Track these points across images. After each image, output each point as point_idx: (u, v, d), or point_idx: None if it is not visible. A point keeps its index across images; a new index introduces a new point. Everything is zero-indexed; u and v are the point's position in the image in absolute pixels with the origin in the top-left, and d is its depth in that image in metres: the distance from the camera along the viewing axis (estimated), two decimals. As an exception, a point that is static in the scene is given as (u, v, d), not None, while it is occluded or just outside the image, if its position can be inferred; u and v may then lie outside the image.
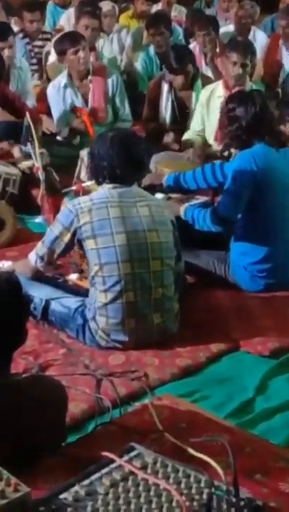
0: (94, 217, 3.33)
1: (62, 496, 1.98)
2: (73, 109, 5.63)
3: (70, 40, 5.61)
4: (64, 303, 3.50)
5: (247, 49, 5.25)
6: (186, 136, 5.58)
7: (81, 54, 5.53)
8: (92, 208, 3.35)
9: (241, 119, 3.84)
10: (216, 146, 5.27)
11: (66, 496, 1.98)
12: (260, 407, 3.01)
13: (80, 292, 3.61)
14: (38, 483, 2.29)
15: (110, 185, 3.42)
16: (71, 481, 2.04)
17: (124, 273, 3.31)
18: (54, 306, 3.51)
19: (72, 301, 3.51)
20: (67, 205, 3.48)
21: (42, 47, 7.36)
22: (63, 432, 2.61)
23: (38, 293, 3.53)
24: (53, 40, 6.72)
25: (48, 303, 3.52)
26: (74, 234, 3.38)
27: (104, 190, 3.43)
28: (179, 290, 3.56)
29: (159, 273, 3.39)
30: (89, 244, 3.34)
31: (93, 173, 3.55)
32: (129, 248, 3.33)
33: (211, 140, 5.40)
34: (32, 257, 3.53)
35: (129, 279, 3.32)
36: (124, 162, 3.39)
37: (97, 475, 2.06)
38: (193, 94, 5.74)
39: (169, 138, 5.66)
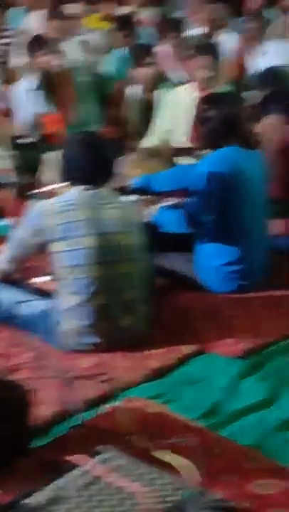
0: (62, 220, 3.32)
1: (31, 500, 1.97)
2: (42, 118, 5.60)
3: (38, 43, 5.60)
4: (33, 305, 3.49)
5: (215, 52, 5.27)
6: (148, 143, 5.58)
7: (49, 57, 5.52)
8: (60, 210, 3.34)
9: (213, 121, 3.86)
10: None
11: (35, 500, 1.97)
12: (230, 408, 3.01)
13: (48, 295, 3.59)
14: (6, 487, 2.29)
15: (80, 187, 3.42)
16: (40, 484, 2.03)
17: (93, 276, 3.31)
18: (23, 308, 3.49)
19: (41, 304, 3.49)
20: (34, 207, 3.47)
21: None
22: (28, 435, 2.59)
23: (6, 296, 3.51)
24: (13, 41, 6.71)
25: (15, 306, 3.50)
26: (41, 236, 3.36)
27: (74, 192, 3.42)
28: (149, 292, 3.57)
29: (129, 275, 3.39)
30: (56, 247, 3.33)
31: (62, 176, 3.55)
32: (99, 250, 3.32)
33: (179, 142, 5.40)
34: None
35: (99, 281, 3.32)
36: (92, 164, 3.39)
37: (66, 478, 2.06)
38: (161, 96, 5.74)
39: (137, 152, 5.63)
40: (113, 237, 3.36)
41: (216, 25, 7.77)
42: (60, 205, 3.36)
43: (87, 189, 3.41)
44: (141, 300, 3.46)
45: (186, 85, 5.56)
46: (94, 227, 3.33)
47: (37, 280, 3.87)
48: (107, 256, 3.34)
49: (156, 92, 5.80)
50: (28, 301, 3.51)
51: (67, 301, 3.35)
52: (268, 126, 4.36)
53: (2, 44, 7.33)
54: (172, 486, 2.01)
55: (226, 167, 3.79)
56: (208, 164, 3.86)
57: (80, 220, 3.33)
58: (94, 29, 8.27)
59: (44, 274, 3.90)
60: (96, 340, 3.36)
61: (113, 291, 3.35)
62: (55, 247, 3.33)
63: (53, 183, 4.07)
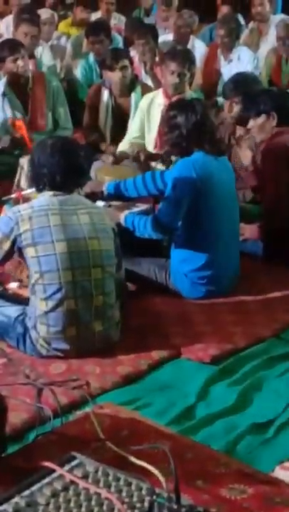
0: (34, 225, 3.31)
1: (2, 508, 1.96)
2: (13, 123, 5.57)
3: (8, 48, 5.56)
4: (4, 312, 3.47)
5: (185, 58, 5.28)
6: (121, 148, 5.59)
7: (20, 62, 5.50)
8: (32, 215, 3.33)
9: (182, 127, 3.87)
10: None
11: (6, 508, 1.96)
12: (201, 413, 3.02)
13: (20, 301, 3.57)
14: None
15: (51, 193, 3.41)
16: (11, 492, 2.01)
17: (64, 281, 3.30)
18: (-7, 315, 3.47)
19: (12, 310, 3.47)
20: (7, 212, 3.46)
21: None
22: (3, 442, 2.58)
23: None
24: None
25: (-14, 312, 3.48)
26: (14, 242, 3.35)
27: (45, 198, 3.41)
28: (121, 298, 3.56)
29: (100, 281, 3.38)
30: (29, 252, 3.32)
31: (33, 181, 3.54)
32: (70, 256, 3.31)
33: (150, 148, 5.42)
34: None
35: (70, 287, 3.31)
36: (63, 169, 3.38)
37: (37, 485, 2.05)
38: (133, 100, 5.75)
39: (108, 160, 5.62)
40: (83, 243, 3.35)
41: (185, 32, 7.80)
42: (31, 211, 3.35)
43: (59, 194, 3.40)
44: (112, 305, 3.45)
45: (155, 92, 5.57)
46: (64, 233, 3.33)
47: (9, 286, 3.85)
48: (78, 261, 3.33)
49: (128, 98, 5.80)
50: (0, 307, 3.49)
51: (38, 306, 3.34)
52: (257, 127, 4.38)
53: None
54: (145, 491, 2.00)
55: (195, 173, 3.80)
56: (177, 170, 3.87)
57: (51, 225, 3.32)
58: (64, 34, 8.27)
59: (14, 281, 3.88)
60: (66, 346, 3.35)
61: (84, 297, 3.34)
62: (28, 252, 3.32)
63: (29, 188, 4.04)
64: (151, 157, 5.19)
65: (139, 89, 5.76)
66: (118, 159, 5.48)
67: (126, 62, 5.67)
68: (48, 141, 3.50)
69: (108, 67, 5.70)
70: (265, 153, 4.40)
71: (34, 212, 3.34)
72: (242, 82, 4.83)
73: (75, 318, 3.33)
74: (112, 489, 2.02)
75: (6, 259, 3.49)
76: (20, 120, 5.49)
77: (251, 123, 4.41)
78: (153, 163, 5.17)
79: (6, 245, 3.37)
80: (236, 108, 4.74)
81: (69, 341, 3.34)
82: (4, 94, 5.64)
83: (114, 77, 5.67)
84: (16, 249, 3.39)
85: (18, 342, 3.41)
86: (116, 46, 7.79)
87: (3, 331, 3.46)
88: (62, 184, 3.40)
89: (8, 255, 3.44)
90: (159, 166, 4.96)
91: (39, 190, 3.49)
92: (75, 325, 3.34)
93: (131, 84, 5.77)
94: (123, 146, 5.57)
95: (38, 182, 3.46)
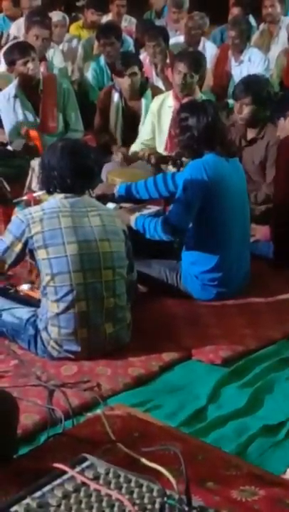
0: (45, 227, 3.32)
1: (13, 509, 1.96)
2: (27, 132, 5.58)
3: (19, 50, 5.57)
4: (15, 313, 3.48)
5: (193, 60, 5.26)
6: (133, 148, 5.60)
7: (30, 65, 5.51)
8: (43, 217, 3.34)
9: (193, 129, 3.87)
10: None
11: (17, 509, 1.96)
12: (212, 415, 3.03)
13: (32, 303, 3.59)
14: (-11, 496, 2.28)
15: (62, 195, 3.42)
16: (22, 493, 2.01)
17: (75, 283, 3.30)
18: (5, 316, 3.48)
19: (23, 312, 3.48)
20: (18, 215, 3.47)
21: None
22: (15, 444, 2.59)
23: None
24: (2, 49, 6.69)
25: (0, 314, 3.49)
26: (25, 244, 3.36)
27: (56, 200, 3.42)
28: (131, 300, 3.57)
29: (111, 283, 3.38)
30: (40, 254, 3.33)
31: (44, 184, 3.55)
32: (81, 258, 3.32)
33: (160, 149, 5.42)
34: None
35: (81, 288, 3.32)
36: (73, 172, 3.39)
37: (48, 487, 2.04)
38: (143, 104, 5.76)
39: (118, 157, 5.64)
40: (94, 245, 3.36)
41: (196, 34, 7.80)
42: (43, 213, 3.36)
43: (70, 197, 3.41)
44: (123, 307, 3.46)
45: (166, 93, 5.57)
46: (75, 235, 3.33)
47: (21, 288, 3.86)
48: (89, 263, 3.33)
49: (138, 101, 5.80)
50: (11, 309, 3.50)
51: (49, 308, 3.35)
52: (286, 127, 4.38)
53: None
54: (156, 492, 2.00)
55: (206, 175, 3.80)
56: (188, 172, 3.87)
57: (62, 227, 3.33)
58: (75, 37, 8.28)
59: (28, 282, 3.90)
60: (77, 348, 3.36)
61: (95, 299, 3.35)
62: (39, 254, 3.33)
63: (40, 190, 4.05)
64: (163, 160, 5.19)
65: (149, 92, 5.76)
66: (130, 159, 5.49)
67: (135, 68, 5.66)
68: (58, 144, 3.50)
69: (118, 74, 5.71)
70: (281, 144, 4.40)
71: (45, 215, 3.35)
72: (253, 84, 4.82)
73: (86, 320, 3.34)
74: (123, 491, 2.02)
75: (18, 262, 3.50)
76: (35, 130, 5.51)
77: (281, 124, 4.43)
78: (164, 166, 5.18)
79: (18, 247, 3.38)
80: (246, 109, 4.74)
81: (80, 343, 3.35)
82: (16, 97, 5.66)
83: (123, 83, 5.68)
84: (27, 252, 3.40)
85: (29, 344, 3.42)
86: (127, 48, 7.81)
87: (15, 332, 3.47)
88: (72, 186, 3.41)
89: (20, 257, 3.45)
90: (170, 168, 4.96)
91: (50, 192, 3.50)
92: (86, 327, 3.34)
93: (141, 87, 5.76)
94: (136, 147, 5.58)
95: (49, 185, 3.48)
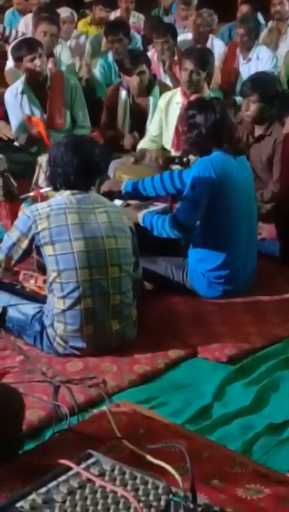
0: (52, 224, 3.32)
1: (18, 505, 1.96)
2: (29, 119, 5.58)
3: (26, 46, 5.57)
4: (21, 309, 3.48)
5: (199, 57, 5.22)
6: (141, 145, 5.59)
7: (37, 62, 5.50)
8: (50, 214, 3.34)
9: (201, 126, 3.86)
10: (174, 153, 5.29)
11: (23, 505, 1.96)
12: (217, 413, 3.02)
13: (38, 299, 3.59)
14: (-6, 491, 2.29)
15: (68, 192, 3.42)
16: (28, 489, 2.02)
17: (82, 279, 3.30)
18: (11, 312, 3.49)
19: (29, 308, 3.49)
20: (25, 211, 3.47)
21: None
22: (20, 440, 2.60)
23: None
24: (10, 45, 6.69)
25: (5, 309, 3.50)
26: (32, 240, 3.36)
27: (63, 197, 3.42)
28: (137, 296, 3.57)
29: (117, 279, 3.38)
30: (47, 251, 3.33)
31: (50, 181, 3.56)
32: (88, 254, 3.32)
33: (168, 146, 5.42)
34: None
35: (87, 285, 3.32)
36: (77, 169, 3.39)
37: (54, 483, 2.05)
38: (151, 101, 5.75)
39: (127, 140, 5.65)
40: (101, 241, 3.36)
41: (204, 31, 7.79)
42: (49, 210, 3.36)
43: (77, 193, 3.41)
44: (129, 304, 3.46)
45: (174, 90, 5.56)
46: (82, 231, 3.33)
47: (27, 284, 3.86)
48: (95, 260, 3.34)
49: (146, 98, 5.79)
50: (17, 304, 3.51)
51: (55, 305, 3.35)
52: None
53: None
54: (161, 490, 2.00)
55: (214, 173, 3.79)
56: (195, 170, 3.86)
57: (68, 224, 3.33)
58: (82, 33, 8.28)
59: (34, 279, 3.89)
60: (83, 345, 3.36)
61: (101, 296, 3.35)
62: (46, 250, 3.33)
63: (47, 187, 4.06)
64: (170, 160, 5.17)
65: (157, 89, 5.74)
66: (138, 157, 5.48)
67: (144, 67, 5.65)
68: (63, 141, 3.51)
69: (126, 72, 5.70)
70: (286, 140, 4.40)
71: (52, 211, 3.35)
72: (261, 81, 4.81)
73: (92, 316, 3.34)
74: (129, 487, 2.02)
75: (24, 258, 3.51)
76: (37, 117, 5.51)
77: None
78: (171, 166, 5.17)
79: (24, 244, 3.39)
80: (254, 107, 4.73)
81: (86, 339, 3.35)
82: (23, 93, 5.66)
83: (131, 81, 5.67)
84: (34, 248, 3.40)
85: (35, 340, 3.42)
86: (135, 45, 7.80)
87: (21, 328, 3.47)
88: (76, 183, 3.41)
89: (27, 253, 3.46)
90: (178, 167, 4.96)
91: (56, 189, 3.50)
92: (92, 323, 3.35)
93: (149, 84, 5.75)
94: (143, 143, 5.57)
95: (54, 181, 3.48)
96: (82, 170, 3.40)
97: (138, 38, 8.21)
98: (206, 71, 5.23)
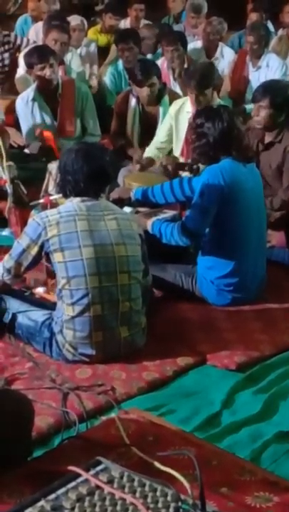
0: (61, 230, 3.33)
1: (27, 511, 1.97)
2: (41, 134, 5.59)
3: (38, 55, 5.58)
4: (31, 316, 3.49)
5: (200, 79, 5.04)
6: (147, 153, 5.59)
7: (47, 72, 5.52)
8: (59, 220, 3.35)
9: (208, 135, 3.86)
10: (183, 161, 5.29)
11: (32, 511, 1.96)
12: (226, 420, 3.02)
13: (47, 305, 3.59)
14: (3, 497, 2.29)
15: (78, 199, 3.42)
16: (37, 496, 2.02)
17: (91, 286, 3.31)
18: (21, 319, 3.49)
19: (39, 315, 3.49)
20: (34, 217, 3.47)
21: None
22: (29, 446, 2.60)
23: (7, 306, 3.52)
24: (22, 52, 6.72)
25: (14, 316, 3.51)
26: (41, 247, 3.37)
27: (73, 204, 3.43)
28: (146, 304, 3.57)
29: (127, 287, 3.39)
30: (56, 258, 3.34)
31: (60, 187, 3.56)
32: (97, 261, 3.33)
33: (177, 154, 5.42)
34: None
35: (97, 292, 3.32)
36: (87, 176, 3.39)
37: (63, 489, 2.05)
38: (161, 110, 5.75)
39: (136, 154, 5.64)
40: (110, 249, 3.36)
41: (214, 39, 7.80)
42: (59, 216, 3.36)
43: (87, 200, 3.42)
44: (138, 311, 3.46)
45: (184, 98, 5.57)
46: (91, 238, 3.34)
47: (37, 291, 3.88)
48: (104, 267, 3.34)
49: (156, 106, 5.79)
50: (27, 311, 3.51)
51: (65, 311, 3.36)
52: None
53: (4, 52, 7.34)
54: (170, 497, 2.00)
55: (223, 180, 3.79)
56: (205, 177, 3.86)
57: (78, 231, 3.33)
58: (92, 41, 8.30)
59: (43, 285, 3.91)
60: (92, 352, 3.36)
61: (110, 303, 3.35)
62: (56, 257, 3.34)
63: (57, 194, 4.07)
64: (179, 167, 5.17)
65: (166, 98, 5.73)
66: (145, 166, 5.48)
67: (154, 79, 5.64)
68: (74, 148, 3.52)
69: (137, 83, 5.70)
70: None
71: (62, 218, 3.35)
72: (272, 88, 4.81)
73: (102, 323, 3.34)
74: (138, 495, 2.02)
75: (34, 265, 3.51)
76: (49, 131, 5.52)
77: None
78: (180, 173, 5.17)
79: (34, 250, 3.39)
80: (263, 112, 4.72)
81: (95, 346, 3.35)
82: (34, 100, 5.68)
83: (141, 92, 5.68)
84: (43, 255, 3.41)
85: (44, 346, 3.43)
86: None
87: (30, 335, 3.48)
88: (86, 190, 3.41)
89: (36, 260, 3.46)
90: (187, 174, 4.96)
91: (66, 196, 3.51)
92: (101, 330, 3.35)
93: (159, 93, 5.75)
94: (150, 151, 5.58)
95: (64, 188, 3.48)
96: (92, 177, 3.40)
97: (146, 46, 8.13)
98: (211, 86, 5.18)
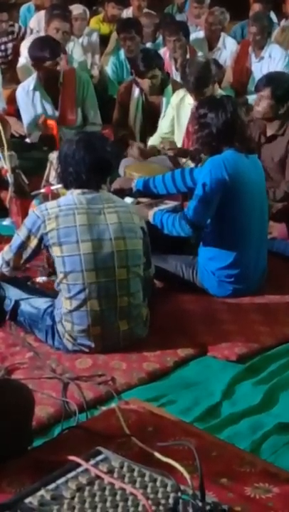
0: (60, 224, 3.29)
1: (27, 500, 1.97)
2: (44, 122, 5.58)
3: (51, 50, 5.51)
4: (33, 303, 3.48)
5: (198, 82, 5.00)
6: (151, 142, 5.58)
7: (59, 66, 5.51)
8: (59, 214, 3.31)
9: (212, 125, 3.85)
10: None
11: (32, 500, 1.97)
12: (226, 411, 3.02)
13: (49, 294, 3.58)
14: (3, 486, 2.29)
15: (79, 191, 3.38)
16: (37, 485, 2.02)
17: (88, 282, 3.29)
18: (23, 306, 3.49)
19: (41, 302, 3.48)
20: (34, 210, 3.44)
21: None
22: (29, 436, 2.60)
23: (10, 293, 3.52)
24: (25, 41, 6.71)
25: (17, 303, 3.50)
26: (41, 239, 3.34)
27: (73, 196, 3.38)
28: (148, 295, 3.56)
29: (125, 281, 3.36)
30: (55, 251, 3.31)
31: (60, 178, 3.52)
32: (95, 257, 3.29)
33: (179, 145, 5.40)
34: None
35: (94, 287, 3.30)
36: (89, 167, 3.34)
37: (63, 479, 2.05)
38: (164, 100, 5.73)
39: (134, 152, 5.61)
40: (109, 243, 3.32)
41: (216, 29, 7.78)
42: (58, 210, 3.33)
43: (87, 192, 3.38)
44: (138, 305, 3.44)
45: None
46: (90, 233, 3.30)
47: (38, 280, 3.87)
48: (102, 262, 3.31)
49: (159, 96, 5.77)
50: (29, 298, 3.50)
51: (63, 305, 3.35)
52: None
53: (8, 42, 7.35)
54: (170, 487, 2.00)
55: (226, 172, 3.78)
56: (207, 168, 3.84)
57: (77, 225, 3.30)
58: (94, 30, 8.28)
59: (44, 275, 3.90)
60: (91, 344, 3.36)
61: (108, 298, 3.33)
62: (54, 251, 3.32)
63: (58, 184, 4.06)
64: (182, 153, 5.15)
65: (170, 88, 5.71)
66: (148, 153, 5.46)
67: (156, 71, 5.60)
68: (74, 138, 3.47)
69: (139, 75, 5.67)
70: None
71: (61, 212, 3.32)
72: (275, 79, 4.79)
73: (99, 318, 3.33)
74: (137, 485, 2.02)
75: (33, 257, 3.50)
76: (53, 120, 5.51)
77: None
78: (183, 160, 5.16)
79: (33, 243, 3.36)
80: (264, 103, 4.70)
81: (93, 339, 3.35)
82: (35, 89, 5.66)
83: (144, 83, 5.66)
84: (43, 247, 3.39)
85: (46, 334, 3.42)
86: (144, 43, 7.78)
87: (32, 322, 3.47)
88: (87, 181, 3.37)
89: (35, 253, 3.45)
90: (189, 163, 4.94)
91: (67, 187, 3.48)
92: (99, 325, 3.34)
93: (162, 83, 5.73)
94: (154, 140, 5.56)
95: (65, 180, 3.45)
96: (94, 168, 3.37)
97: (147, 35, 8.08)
98: (209, 85, 5.13)
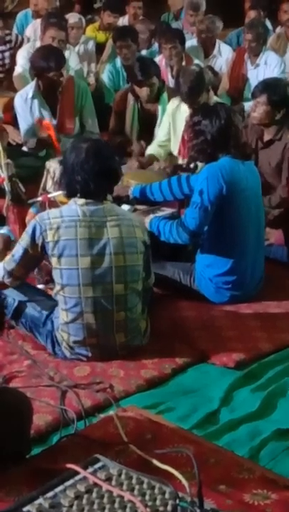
0: (61, 236, 3.26)
1: (25, 509, 1.96)
2: (40, 122, 5.59)
3: (56, 61, 5.51)
4: (37, 307, 3.48)
5: (191, 92, 4.99)
6: (149, 150, 5.59)
7: (63, 79, 5.52)
8: (60, 225, 3.27)
9: (206, 132, 3.86)
10: (181, 161, 5.28)
11: (30, 509, 1.96)
12: (224, 418, 3.02)
13: (52, 298, 3.55)
14: (1, 495, 2.29)
15: (82, 201, 3.32)
16: (35, 493, 2.01)
17: (84, 296, 3.27)
18: (27, 308, 3.49)
19: (44, 306, 3.48)
20: (36, 218, 3.37)
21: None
22: (28, 444, 2.60)
23: (11, 293, 3.51)
24: (21, 49, 6.71)
25: (20, 304, 3.50)
26: (42, 247, 3.31)
27: (76, 207, 3.31)
28: (147, 303, 3.55)
29: (122, 297, 3.33)
30: (53, 262, 3.30)
31: (65, 187, 3.42)
32: (92, 272, 3.27)
33: (175, 152, 5.42)
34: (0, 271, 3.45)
35: (89, 302, 3.28)
36: (98, 176, 3.28)
37: (61, 487, 2.05)
38: (159, 107, 5.74)
39: (136, 147, 5.62)
40: (108, 259, 3.29)
41: (207, 37, 7.79)
42: (61, 220, 3.28)
43: (91, 203, 3.32)
44: (135, 319, 3.42)
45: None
46: (90, 248, 3.27)
47: (39, 286, 3.87)
48: (100, 277, 3.28)
49: (155, 104, 5.78)
50: (33, 301, 3.50)
51: (60, 315, 3.35)
52: None
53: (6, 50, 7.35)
54: (168, 495, 2.00)
55: (222, 179, 3.79)
56: (204, 176, 3.85)
57: (78, 238, 3.26)
58: (90, 38, 8.29)
59: (42, 283, 3.90)
60: (87, 353, 3.36)
61: (103, 312, 3.31)
62: (53, 262, 3.30)
63: (55, 191, 4.05)
64: (178, 168, 5.15)
65: (165, 96, 5.72)
66: (146, 163, 5.47)
67: (154, 79, 5.62)
68: (82, 146, 3.34)
69: (136, 83, 5.68)
70: None
71: (63, 223, 3.27)
72: (271, 85, 4.80)
73: (95, 331, 3.33)
74: (136, 492, 2.02)
75: (36, 265, 3.51)
76: (49, 122, 5.51)
77: None
78: (179, 172, 5.16)
79: (36, 251, 3.33)
80: (260, 109, 4.71)
81: (90, 349, 3.36)
82: (33, 98, 5.67)
83: (141, 92, 5.67)
84: (45, 255, 3.36)
85: (46, 338, 3.43)
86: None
87: (34, 325, 3.47)
88: (95, 191, 3.32)
89: (38, 261, 3.45)
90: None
91: (70, 196, 3.40)
92: (95, 337, 3.34)
93: (158, 91, 5.74)
94: (152, 149, 5.57)
95: (71, 188, 3.36)
96: (102, 177, 3.30)
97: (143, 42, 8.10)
98: (203, 92, 5.13)
